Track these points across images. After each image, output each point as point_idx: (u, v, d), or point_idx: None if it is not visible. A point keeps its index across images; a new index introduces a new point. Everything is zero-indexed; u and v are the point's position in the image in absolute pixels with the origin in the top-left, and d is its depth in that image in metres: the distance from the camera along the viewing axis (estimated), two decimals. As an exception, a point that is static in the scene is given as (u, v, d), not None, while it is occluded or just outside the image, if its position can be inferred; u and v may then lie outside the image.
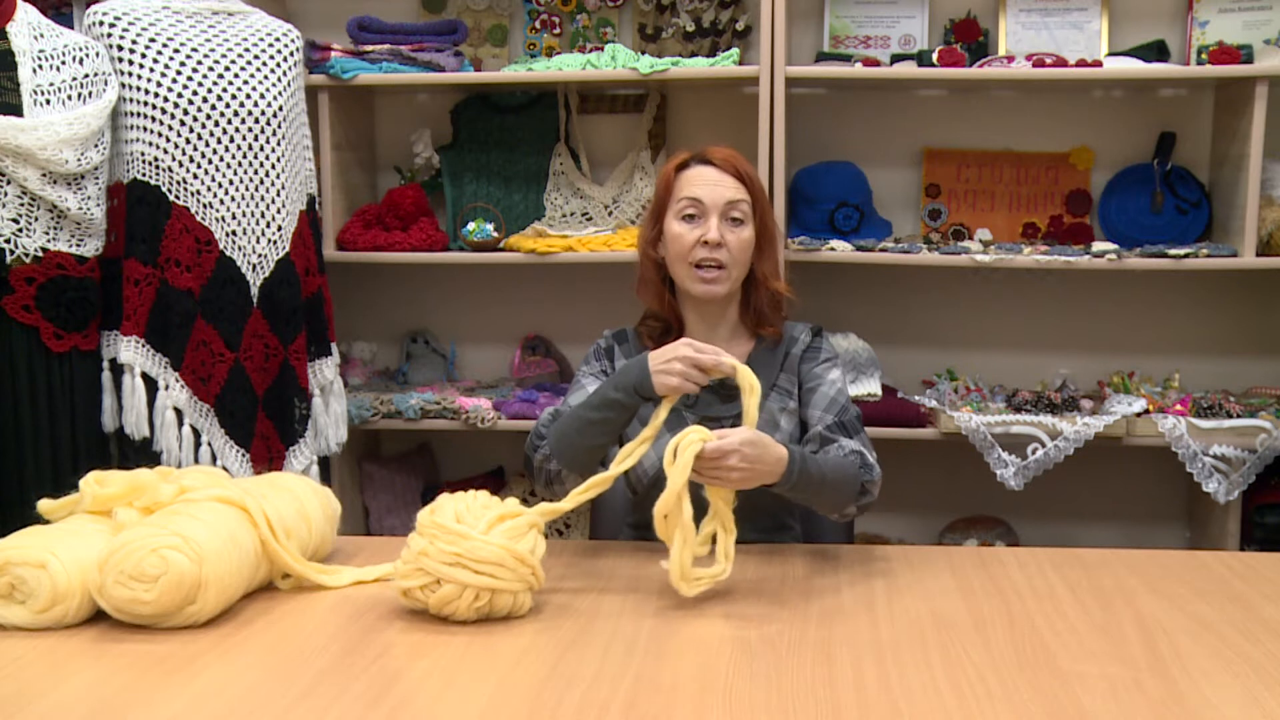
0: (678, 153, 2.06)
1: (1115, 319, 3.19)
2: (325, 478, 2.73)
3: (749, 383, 1.77)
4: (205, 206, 2.42)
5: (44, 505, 1.74)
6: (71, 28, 2.39)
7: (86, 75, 2.31)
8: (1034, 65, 2.86)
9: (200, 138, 2.40)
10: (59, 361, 2.29)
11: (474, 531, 1.58)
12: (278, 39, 2.55)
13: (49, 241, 2.25)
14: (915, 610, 1.64)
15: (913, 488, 3.24)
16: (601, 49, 3.04)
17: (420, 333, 3.36)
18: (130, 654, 1.50)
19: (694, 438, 1.67)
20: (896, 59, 2.97)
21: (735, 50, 3.00)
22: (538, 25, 3.24)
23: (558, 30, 3.24)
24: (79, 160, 2.25)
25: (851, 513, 1.88)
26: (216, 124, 2.41)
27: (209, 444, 2.44)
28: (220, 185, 2.43)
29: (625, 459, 1.77)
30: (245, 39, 2.50)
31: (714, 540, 1.74)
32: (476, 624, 1.60)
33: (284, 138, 2.53)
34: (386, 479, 3.24)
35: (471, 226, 3.02)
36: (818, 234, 2.97)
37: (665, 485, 1.98)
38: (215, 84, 2.42)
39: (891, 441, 2.87)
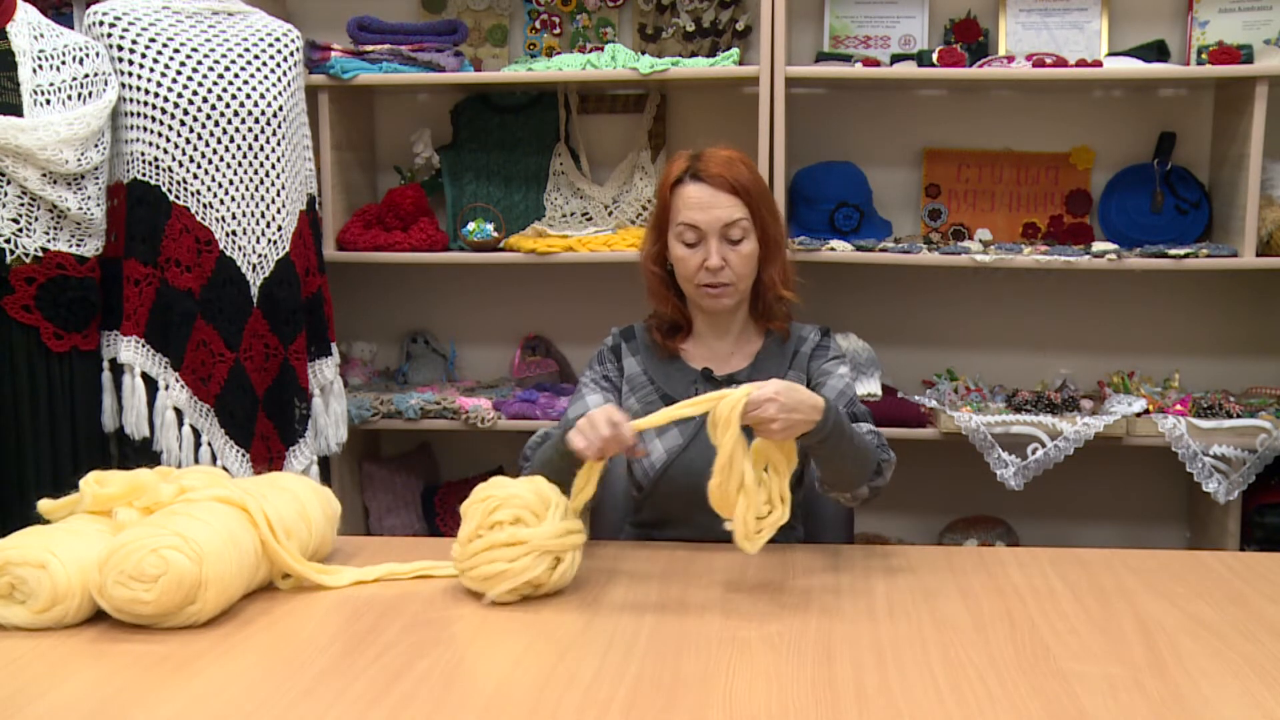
0: (677, 155, 2.02)
1: (1115, 319, 3.19)
2: (325, 478, 2.73)
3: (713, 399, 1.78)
4: (205, 206, 2.42)
5: (44, 505, 1.74)
6: (71, 28, 2.39)
7: (86, 75, 2.31)
8: (1034, 65, 2.86)
9: (200, 138, 2.40)
10: (59, 361, 2.29)
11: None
12: (278, 39, 2.56)
13: (49, 241, 2.25)
14: (915, 610, 1.64)
15: (913, 488, 3.23)
16: (601, 49, 3.04)
17: (420, 333, 3.36)
18: (130, 654, 1.50)
19: (735, 395, 1.67)
20: (896, 59, 2.97)
21: (735, 50, 3.00)
22: (538, 25, 3.24)
23: (558, 30, 3.24)
24: (79, 160, 2.25)
25: (864, 493, 1.89)
26: (216, 124, 2.42)
27: (209, 444, 2.44)
28: (220, 185, 2.43)
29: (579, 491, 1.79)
30: (245, 39, 2.50)
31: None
32: (477, 624, 1.60)
33: (284, 138, 2.53)
34: (386, 479, 3.24)
35: (471, 226, 3.02)
36: (818, 234, 2.97)
37: (668, 479, 1.98)
38: (215, 84, 2.42)
39: (892, 441, 2.85)
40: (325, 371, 2.70)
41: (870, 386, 2.94)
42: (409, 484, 3.26)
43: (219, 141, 2.42)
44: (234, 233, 2.45)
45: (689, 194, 1.96)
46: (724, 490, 1.68)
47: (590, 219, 3.21)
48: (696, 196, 1.95)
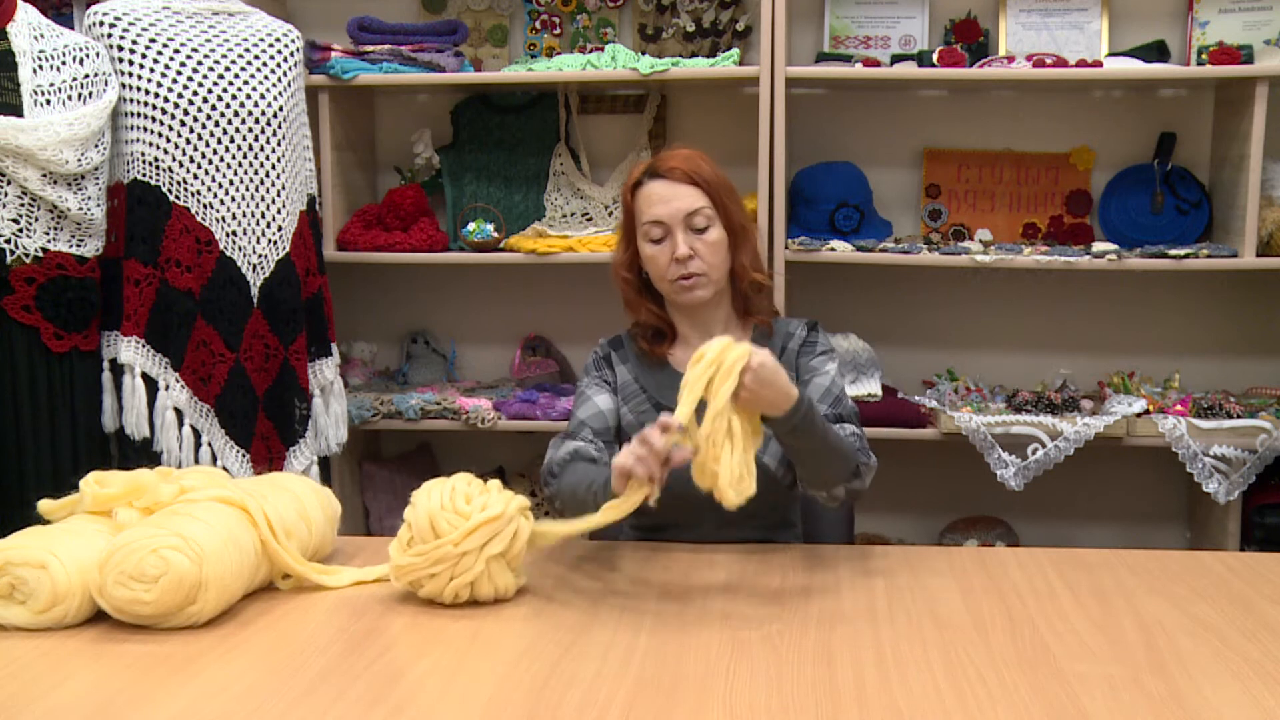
0: (634, 168, 2.06)
1: (1115, 319, 3.19)
2: (325, 478, 2.73)
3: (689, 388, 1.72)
4: (205, 206, 2.42)
5: (44, 505, 1.74)
6: (71, 28, 2.39)
7: (86, 75, 2.31)
8: (1034, 65, 2.86)
9: (200, 138, 2.40)
10: (59, 361, 2.29)
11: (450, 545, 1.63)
12: (278, 39, 2.56)
13: (49, 242, 2.25)
14: (915, 610, 1.64)
15: (913, 488, 3.23)
16: (601, 49, 3.04)
17: (420, 333, 3.36)
18: (130, 654, 1.50)
19: (741, 350, 1.67)
20: (896, 59, 2.97)
21: (735, 50, 3.00)
22: (538, 25, 3.24)
23: (558, 30, 3.24)
24: (79, 160, 2.25)
25: (840, 495, 1.86)
26: (216, 124, 2.42)
27: (209, 444, 2.44)
28: (220, 185, 2.43)
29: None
30: (245, 39, 2.50)
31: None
32: (477, 624, 1.60)
33: (284, 138, 2.53)
34: (387, 479, 3.24)
35: (472, 227, 3.02)
36: (818, 234, 2.97)
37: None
38: (215, 84, 2.42)
39: (891, 441, 2.87)
40: (325, 372, 2.70)
41: (870, 386, 2.94)
42: (409, 484, 3.24)
43: (219, 142, 2.42)
44: (234, 233, 2.45)
45: (650, 191, 1.99)
46: (711, 440, 1.65)
47: (590, 219, 3.21)
48: (658, 192, 1.98)
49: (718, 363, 1.66)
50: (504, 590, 1.67)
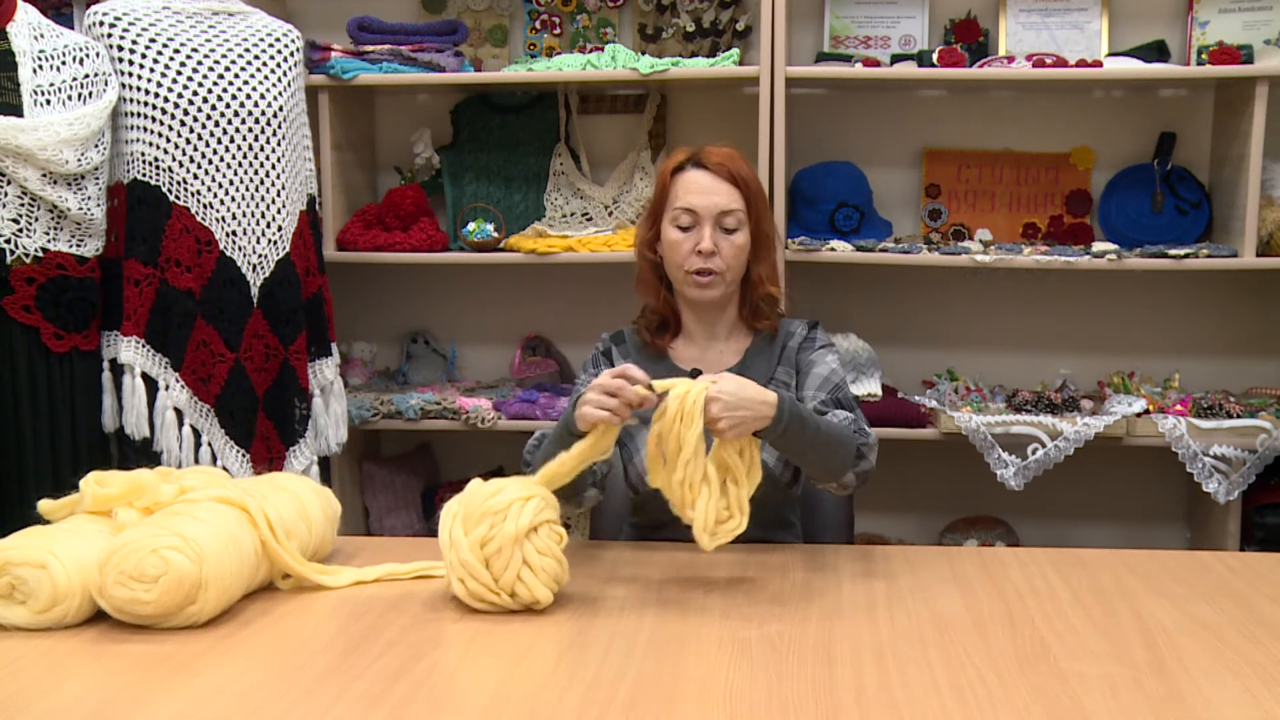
0: (678, 149, 2.06)
1: (1115, 319, 3.19)
2: (325, 478, 2.73)
3: (672, 386, 1.72)
4: (205, 206, 2.42)
5: (44, 505, 1.74)
6: (71, 28, 2.39)
7: (86, 75, 2.31)
8: (1034, 65, 2.86)
9: (200, 138, 2.40)
10: (59, 361, 2.29)
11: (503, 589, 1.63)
12: (278, 39, 2.56)
13: (49, 242, 2.25)
14: (915, 610, 1.64)
15: (913, 488, 3.23)
16: (602, 49, 3.04)
17: (420, 333, 3.36)
18: (130, 654, 1.50)
19: (696, 389, 1.67)
20: (896, 59, 2.97)
21: (735, 50, 3.00)
22: (538, 25, 3.24)
23: (558, 30, 3.24)
24: (79, 160, 2.25)
25: (850, 481, 1.86)
26: (216, 124, 2.42)
27: (209, 444, 2.44)
28: (220, 185, 2.43)
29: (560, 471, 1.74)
30: (245, 39, 2.50)
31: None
32: (477, 625, 1.60)
33: (284, 138, 2.53)
34: (386, 479, 3.24)
35: (471, 227, 3.02)
36: (818, 234, 2.97)
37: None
38: (215, 84, 2.42)
39: (891, 441, 2.87)
40: (325, 372, 2.70)
41: (870, 386, 2.94)
42: (409, 484, 3.26)
43: (219, 141, 2.42)
44: (234, 233, 2.45)
45: (690, 179, 1.99)
46: (687, 484, 1.68)
47: (590, 219, 3.21)
48: (697, 181, 1.98)
49: (679, 413, 1.67)
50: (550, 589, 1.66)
